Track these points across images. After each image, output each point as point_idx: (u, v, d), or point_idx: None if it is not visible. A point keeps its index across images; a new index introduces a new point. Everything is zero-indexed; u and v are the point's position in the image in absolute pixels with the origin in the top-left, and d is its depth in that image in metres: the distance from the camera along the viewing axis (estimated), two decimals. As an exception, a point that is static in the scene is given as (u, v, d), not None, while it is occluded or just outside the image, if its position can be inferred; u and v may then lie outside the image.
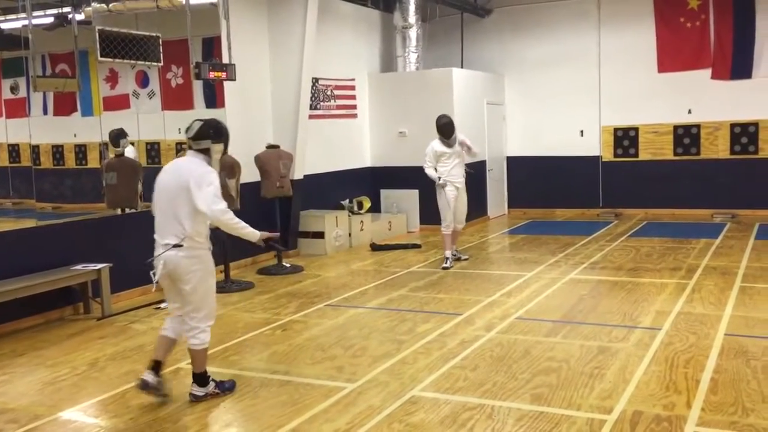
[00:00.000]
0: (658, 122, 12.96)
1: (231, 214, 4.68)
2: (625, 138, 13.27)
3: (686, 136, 12.84)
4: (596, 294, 7.54)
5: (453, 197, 9.09)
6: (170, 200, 4.68)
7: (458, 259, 9.43)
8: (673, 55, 12.69)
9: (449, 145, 9.00)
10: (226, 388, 5.02)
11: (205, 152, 4.79)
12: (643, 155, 13.16)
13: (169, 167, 4.87)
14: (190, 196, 4.59)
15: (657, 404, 4.54)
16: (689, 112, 12.73)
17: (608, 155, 13.42)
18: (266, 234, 4.97)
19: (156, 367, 4.87)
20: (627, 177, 13.24)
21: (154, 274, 4.78)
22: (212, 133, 4.80)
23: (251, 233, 4.84)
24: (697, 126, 12.75)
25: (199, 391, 4.89)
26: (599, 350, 5.63)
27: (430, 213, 11.67)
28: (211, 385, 4.94)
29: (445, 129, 8.97)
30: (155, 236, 4.80)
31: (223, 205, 4.62)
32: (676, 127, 12.89)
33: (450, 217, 9.10)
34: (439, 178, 8.99)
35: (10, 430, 4.53)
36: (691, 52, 12.59)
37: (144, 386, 4.79)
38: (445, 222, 9.14)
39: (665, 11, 12.68)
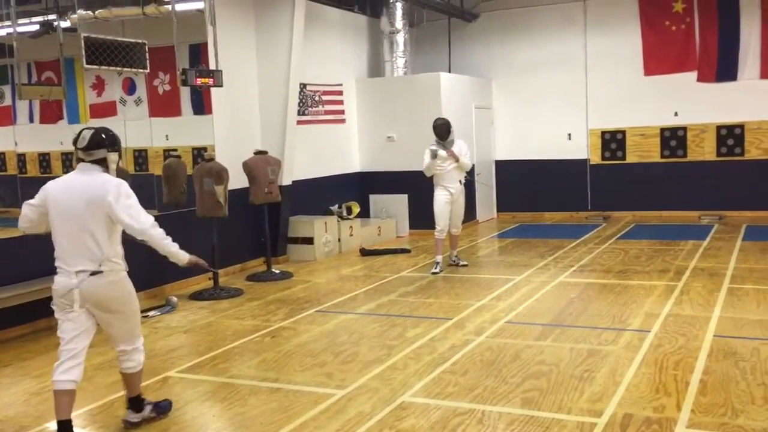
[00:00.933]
0: (645, 125, 13.03)
1: (160, 229, 4.37)
2: (613, 141, 13.33)
3: (673, 138, 12.91)
4: (585, 297, 7.55)
5: (445, 201, 9.08)
6: (79, 221, 4.19)
7: (457, 265, 9.40)
8: (659, 58, 12.77)
9: (445, 148, 9.01)
10: (163, 409, 4.71)
11: (101, 162, 4.32)
12: (631, 158, 13.22)
13: (63, 185, 4.30)
14: (109, 212, 4.18)
15: (647, 407, 4.55)
16: (676, 114, 12.81)
17: (596, 158, 13.48)
18: (194, 259, 4.63)
19: (135, 404, 4.61)
20: (615, 180, 13.30)
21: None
22: (106, 142, 4.33)
23: (179, 255, 4.51)
24: (684, 128, 12.82)
25: (135, 418, 4.58)
26: (589, 353, 5.64)
27: (419, 217, 11.70)
28: (147, 408, 4.63)
29: (438, 130, 9.02)
30: (60, 264, 4.33)
31: (152, 218, 4.31)
32: (662, 130, 12.96)
33: (443, 222, 9.09)
34: (435, 154, 8.86)
35: (-3, 441, 4.48)
36: (676, 55, 12.67)
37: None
38: (438, 226, 9.11)
39: (650, 15, 12.76)
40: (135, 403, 4.62)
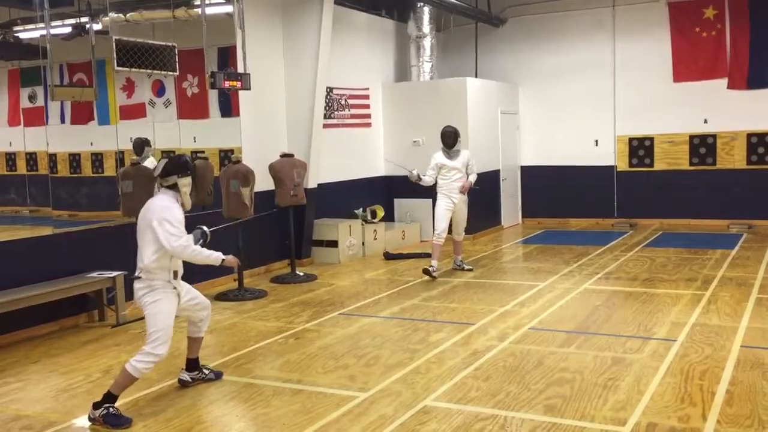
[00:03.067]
0: (674, 132, 12.89)
1: (191, 247, 4.84)
2: (641, 148, 13.21)
3: (702, 145, 12.76)
4: (610, 304, 7.49)
5: (447, 209, 9.10)
6: (140, 236, 4.90)
7: (462, 269, 9.40)
8: (689, 65, 12.63)
9: (450, 157, 9.03)
10: (119, 422, 4.63)
11: (173, 188, 4.94)
12: (659, 165, 13.09)
13: (145, 205, 5.00)
14: (153, 234, 4.78)
15: (672, 416, 4.50)
16: (705, 121, 12.66)
17: (623, 165, 13.36)
18: (230, 258, 5.13)
19: (191, 365, 5.37)
20: (642, 187, 13.17)
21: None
22: (177, 169, 4.93)
23: (215, 258, 5.00)
24: (713, 136, 12.67)
25: (91, 413, 4.70)
26: (613, 361, 5.59)
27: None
28: (100, 411, 4.68)
29: (445, 137, 9.06)
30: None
31: (182, 240, 4.79)
32: (692, 137, 12.81)
33: (441, 227, 9.07)
34: (419, 177, 9.08)
35: (25, 436, 4.56)
36: (706, 62, 12.53)
37: (183, 384, 5.33)
38: (436, 230, 9.11)
39: (681, 21, 12.63)
40: (106, 398, 4.75)
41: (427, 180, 9.16)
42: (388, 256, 10.73)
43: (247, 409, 4.93)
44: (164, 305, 4.87)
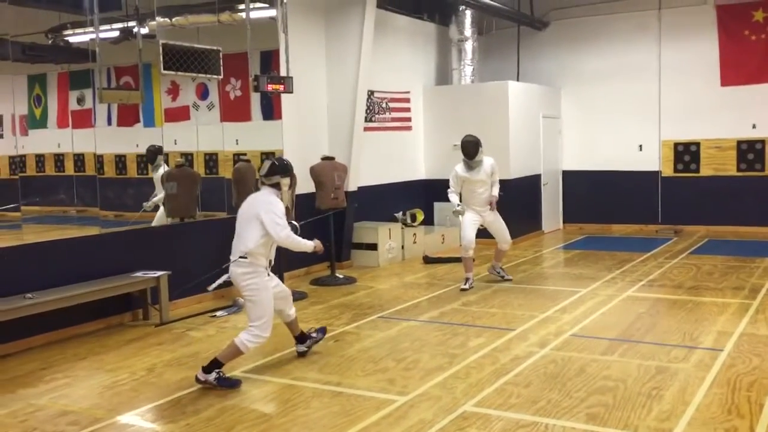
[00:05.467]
0: (721, 137, 12.62)
1: (293, 236, 5.53)
2: (686, 153, 12.96)
3: (750, 151, 12.47)
4: (655, 312, 7.36)
5: (473, 221, 8.69)
6: (243, 224, 5.53)
7: (502, 278, 9.13)
8: (737, 69, 12.36)
9: (471, 168, 8.61)
10: (230, 384, 5.36)
11: (276, 186, 5.60)
12: (705, 171, 12.82)
13: (247, 199, 5.71)
14: (260, 223, 5.41)
15: (718, 428, 4.40)
16: (754, 126, 12.37)
17: (668, 170, 13.12)
18: (318, 246, 5.76)
19: (300, 339, 6.09)
20: (688, 193, 12.92)
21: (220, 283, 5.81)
22: (281, 170, 5.62)
23: (308, 246, 5.65)
24: (762, 141, 12.37)
25: (202, 376, 5.38)
26: (658, 370, 5.49)
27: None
28: (212, 375, 5.35)
29: (467, 148, 8.61)
30: (230, 255, 5.59)
31: (287, 230, 5.46)
32: (739, 143, 12.54)
33: (467, 238, 8.66)
34: (459, 204, 8.62)
35: None
36: (756, 66, 12.24)
37: (301, 355, 6.08)
38: (463, 243, 8.75)
39: (729, 24, 12.37)
40: (213, 364, 5.41)
41: (456, 199, 8.67)
42: (428, 260, 10.71)
43: (287, 410, 4.97)
44: (266, 293, 5.51)
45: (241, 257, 5.44)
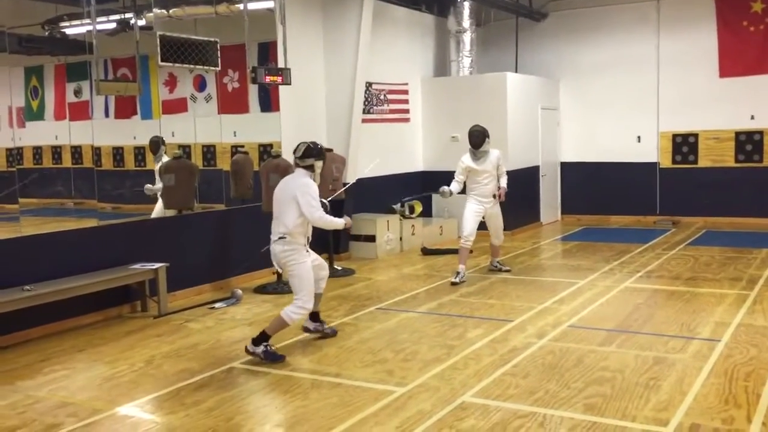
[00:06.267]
0: (720, 128, 12.62)
1: (325, 216, 5.87)
2: (685, 144, 12.96)
3: (748, 142, 12.47)
4: (652, 303, 7.37)
5: (475, 212, 8.66)
6: (280, 206, 5.86)
7: (499, 270, 9.13)
8: (736, 60, 12.34)
9: (477, 158, 8.57)
10: (274, 359, 5.72)
11: (309, 168, 5.93)
12: (703, 162, 12.83)
13: (283, 181, 6.08)
14: (296, 204, 5.75)
15: (715, 418, 4.41)
16: (752, 117, 12.36)
17: (666, 162, 13.12)
18: (348, 222, 6.23)
19: (313, 317, 6.33)
20: (686, 184, 12.92)
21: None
22: (315, 153, 5.96)
23: (339, 223, 6.05)
24: (760, 132, 12.37)
25: (251, 347, 5.76)
26: (655, 361, 5.51)
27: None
28: (261, 348, 5.72)
29: (472, 138, 8.57)
30: (270, 235, 5.97)
31: (320, 211, 5.81)
32: (737, 134, 12.53)
33: (468, 230, 8.63)
34: (450, 192, 8.59)
35: (70, 423, 4.67)
36: (754, 57, 12.22)
37: (305, 330, 6.35)
38: (463, 234, 8.69)
39: (727, 15, 12.34)
40: (261, 337, 5.78)
41: (456, 188, 8.61)
42: (426, 252, 10.72)
43: (286, 401, 4.98)
44: (306, 267, 5.86)
45: (280, 237, 5.80)
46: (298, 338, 6.43)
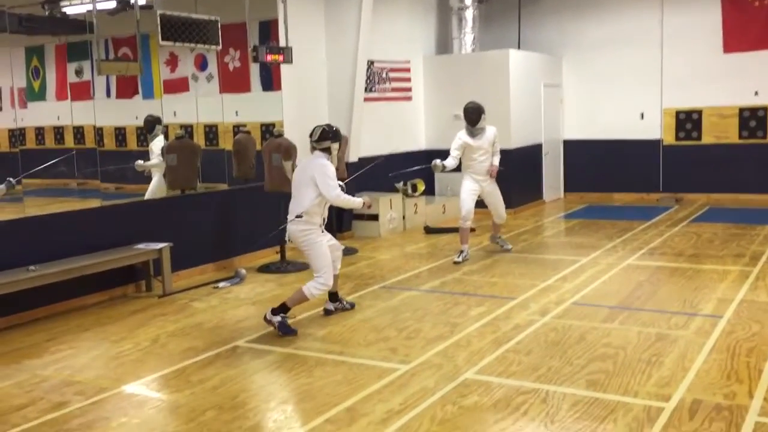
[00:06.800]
0: (723, 105, 12.55)
1: (343, 195, 6.07)
2: (688, 121, 12.90)
3: (752, 119, 12.40)
4: (655, 280, 7.39)
5: (472, 190, 8.61)
6: (299, 187, 6.03)
7: (502, 248, 9.08)
8: (740, 35, 12.24)
9: (473, 135, 8.46)
10: (286, 331, 5.90)
11: (326, 150, 6.10)
12: (707, 138, 12.78)
13: (301, 163, 6.38)
14: (314, 185, 5.93)
15: (717, 393, 4.45)
16: (756, 94, 12.29)
17: (670, 138, 13.08)
18: (366, 200, 6.36)
19: (332, 297, 6.53)
20: (689, 161, 12.88)
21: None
22: (331, 136, 6.13)
23: (356, 203, 6.26)
24: (764, 109, 12.30)
25: (269, 316, 5.96)
26: (657, 337, 5.53)
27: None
28: (277, 318, 5.92)
29: (468, 114, 8.47)
30: (288, 215, 6.15)
31: (338, 190, 6.00)
32: (741, 110, 12.47)
33: (466, 209, 8.58)
34: (443, 166, 8.49)
35: (77, 401, 4.71)
36: (758, 32, 12.11)
37: (327, 313, 6.48)
38: (462, 214, 8.65)
39: (732, -11, 12.24)
40: (280, 308, 5.98)
41: (451, 163, 8.49)
42: (429, 230, 10.73)
43: (290, 378, 5.02)
44: (323, 246, 6.06)
45: (297, 216, 5.97)
46: (301, 317, 6.47)
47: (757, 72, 12.18)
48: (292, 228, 6.06)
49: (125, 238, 7.49)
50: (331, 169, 6.02)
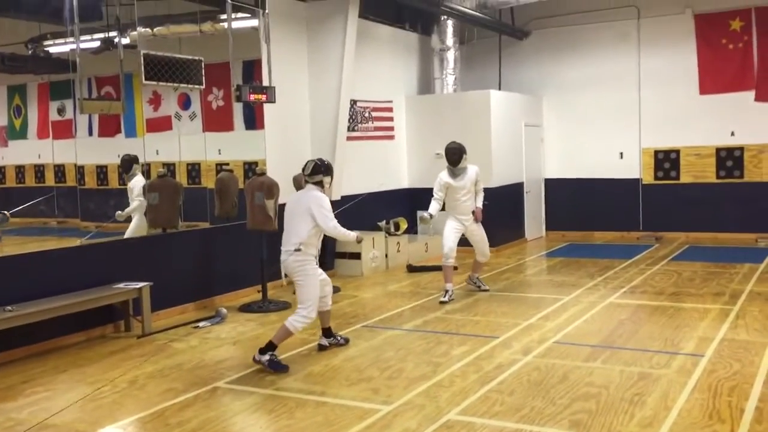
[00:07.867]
0: (701, 144, 12.77)
1: (340, 227, 6.19)
2: (666, 160, 13.09)
3: (729, 158, 12.62)
4: (636, 319, 7.41)
5: (455, 228, 8.60)
6: (293, 218, 6.15)
7: (479, 288, 9.02)
8: (715, 77, 12.52)
9: (455, 175, 8.48)
10: (278, 368, 5.90)
11: (318, 184, 6.22)
12: (685, 178, 12.96)
13: (293, 197, 6.44)
14: (311, 216, 6.04)
15: (700, 433, 4.44)
16: (732, 134, 12.53)
17: (649, 178, 13.25)
18: (359, 236, 6.53)
19: (326, 333, 6.59)
20: (668, 200, 13.04)
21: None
22: (323, 169, 6.25)
23: (353, 236, 6.40)
24: (741, 148, 12.53)
25: (257, 356, 5.96)
26: (640, 376, 5.53)
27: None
28: (266, 357, 5.92)
29: (450, 155, 8.51)
30: (282, 247, 6.23)
31: (335, 221, 6.14)
32: (718, 150, 12.68)
33: (448, 247, 8.56)
34: (431, 216, 8.48)
35: (52, 445, 4.61)
36: (733, 74, 12.41)
37: (321, 348, 6.51)
38: (444, 252, 8.59)
39: (707, 33, 12.54)
40: (267, 346, 5.99)
41: (437, 208, 8.48)
42: (412, 269, 10.72)
43: (271, 420, 4.95)
44: (316, 279, 6.15)
45: (295, 249, 6.05)
46: (282, 357, 6.38)
47: (733, 113, 12.43)
48: (288, 259, 6.12)
49: (105, 277, 7.41)
50: (326, 200, 6.14)
